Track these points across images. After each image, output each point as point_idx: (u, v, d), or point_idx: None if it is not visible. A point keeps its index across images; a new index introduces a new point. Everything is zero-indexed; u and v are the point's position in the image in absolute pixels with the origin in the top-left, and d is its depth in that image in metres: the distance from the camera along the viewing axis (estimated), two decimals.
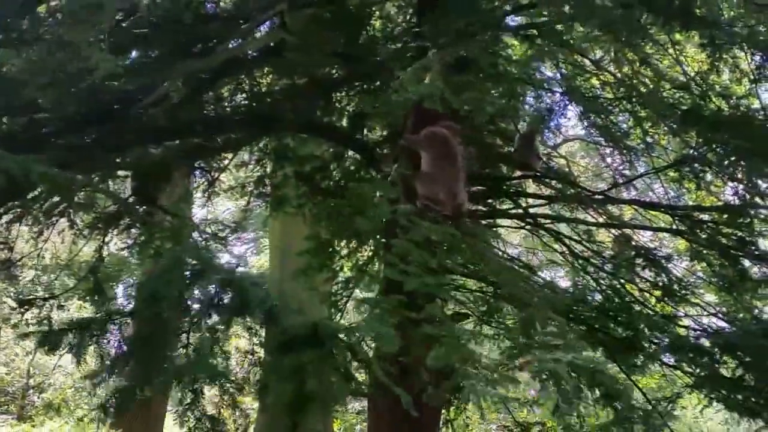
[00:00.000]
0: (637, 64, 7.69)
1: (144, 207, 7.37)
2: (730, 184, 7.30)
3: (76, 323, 6.29)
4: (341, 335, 4.48)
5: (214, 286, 5.02)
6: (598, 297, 7.49)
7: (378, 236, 4.20)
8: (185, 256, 4.95)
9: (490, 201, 7.68)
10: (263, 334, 6.48)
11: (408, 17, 7.17)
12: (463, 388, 7.27)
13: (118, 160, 7.01)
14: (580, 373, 3.68)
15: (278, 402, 4.91)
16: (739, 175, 6.85)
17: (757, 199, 6.89)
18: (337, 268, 7.51)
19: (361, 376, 7.66)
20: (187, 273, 4.76)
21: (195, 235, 7.71)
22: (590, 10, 5.56)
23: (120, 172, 7.76)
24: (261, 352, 8.04)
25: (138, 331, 6.40)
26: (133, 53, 6.35)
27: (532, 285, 4.14)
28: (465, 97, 4.82)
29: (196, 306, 5.53)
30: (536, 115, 8.05)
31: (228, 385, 6.17)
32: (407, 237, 4.04)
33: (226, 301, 5.10)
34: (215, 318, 5.98)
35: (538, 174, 7.59)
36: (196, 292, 5.23)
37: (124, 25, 5.74)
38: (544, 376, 3.59)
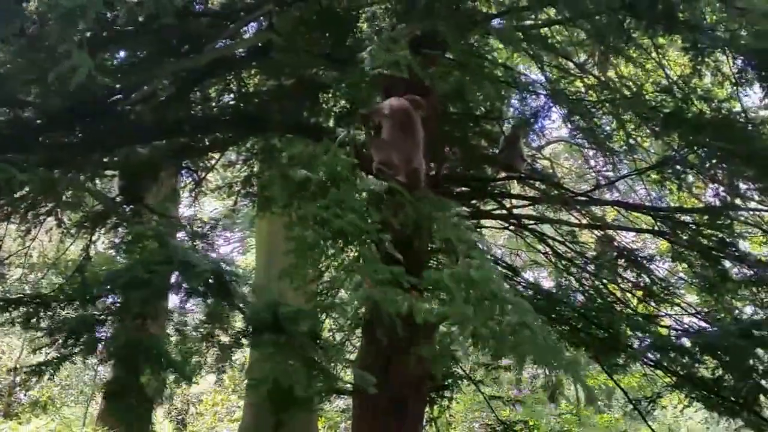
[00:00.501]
0: (621, 67, 7.78)
1: (131, 206, 7.39)
2: (711, 185, 7.39)
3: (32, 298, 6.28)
4: (302, 322, 4.47)
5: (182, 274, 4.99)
6: (581, 297, 7.58)
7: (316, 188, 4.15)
8: (164, 250, 4.96)
9: (474, 202, 7.74)
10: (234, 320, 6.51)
11: (394, 20, 7.23)
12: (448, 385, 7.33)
13: (105, 159, 7.03)
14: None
15: (259, 395, 4.92)
16: (720, 177, 6.94)
17: (738, 201, 6.99)
18: (323, 269, 7.57)
19: (346, 375, 7.72)
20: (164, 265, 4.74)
21: (181, 234, 7.74)
22: (577, 14, 5.65)
23: (107, 171, 7.77)
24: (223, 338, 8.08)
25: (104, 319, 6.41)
26: (122, 53, 6.38)
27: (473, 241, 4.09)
28: (431, 70, 4.87)
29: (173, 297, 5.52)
30: (521, 117, 8.13)
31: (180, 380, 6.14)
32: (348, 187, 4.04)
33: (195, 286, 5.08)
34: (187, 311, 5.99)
35: (523, 175, 7.66)
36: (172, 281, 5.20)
37: (110, 21, 5.76)
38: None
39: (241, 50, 6.78)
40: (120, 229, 7.55)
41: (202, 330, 7.59)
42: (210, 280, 4.76)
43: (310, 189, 4.13)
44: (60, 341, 5.91)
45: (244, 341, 6.48)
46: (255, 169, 8.59)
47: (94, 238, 7.91)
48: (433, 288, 3.55)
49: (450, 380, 7.85)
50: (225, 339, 7.54)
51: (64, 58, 4.21)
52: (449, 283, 3.43)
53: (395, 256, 3.76)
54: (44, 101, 5.81)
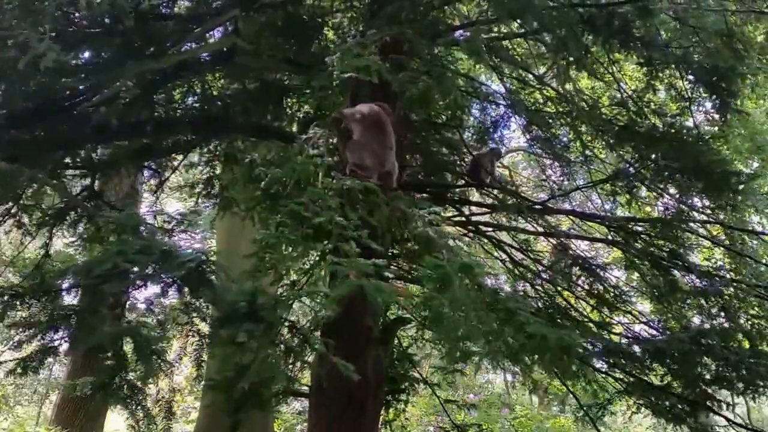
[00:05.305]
0: (579, 80, 7.93)
1: (91, 203, 7.37)
2: (662, 199, 7.56)
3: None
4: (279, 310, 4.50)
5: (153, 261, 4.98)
6: (536, 304, 7.68)
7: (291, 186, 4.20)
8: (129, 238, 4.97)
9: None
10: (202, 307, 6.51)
11: (360, 28, 7.31)
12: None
13: (67, 159, 7.02)
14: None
15: (218, 387, 4.91)
16: (671, 190, 7.12)
17: (687, 213, 7.18)
18: (284, 271, 7.60)
19: (303, 377, 7.76)
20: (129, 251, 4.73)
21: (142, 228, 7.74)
22: (541, 27, 5.78)
23: (68, 171, 7.74)
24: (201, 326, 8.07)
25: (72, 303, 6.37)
26: (86, 53, 6.37)
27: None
28: (401, 75, 4.97)
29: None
30: (495, 149, 8.17)
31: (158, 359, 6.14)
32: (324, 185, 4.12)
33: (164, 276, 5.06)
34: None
35: (481, 183, 7.76)
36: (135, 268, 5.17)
37: (76, 22, 5.77)
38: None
39: (205, 54, 6.81)
40: (80, 226, 7.52)
41: (177, 320, 7.61)
42: (191, 269, 4.77)
43: (278, 190, 4.19)
44: (39, 335, 5.89)
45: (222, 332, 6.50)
46: (217, 171, 8.61)
47: (53, 237, 7.86)
48: (432, 274, 3.62)
49: (407, 383, 7.92)
50: (204, 328, 7.54)
51: (28, 48, 4.24)
52: (449, 269, 3.54)
53: (373, 251, 3.83)
54: (6, 99, 5.80)
